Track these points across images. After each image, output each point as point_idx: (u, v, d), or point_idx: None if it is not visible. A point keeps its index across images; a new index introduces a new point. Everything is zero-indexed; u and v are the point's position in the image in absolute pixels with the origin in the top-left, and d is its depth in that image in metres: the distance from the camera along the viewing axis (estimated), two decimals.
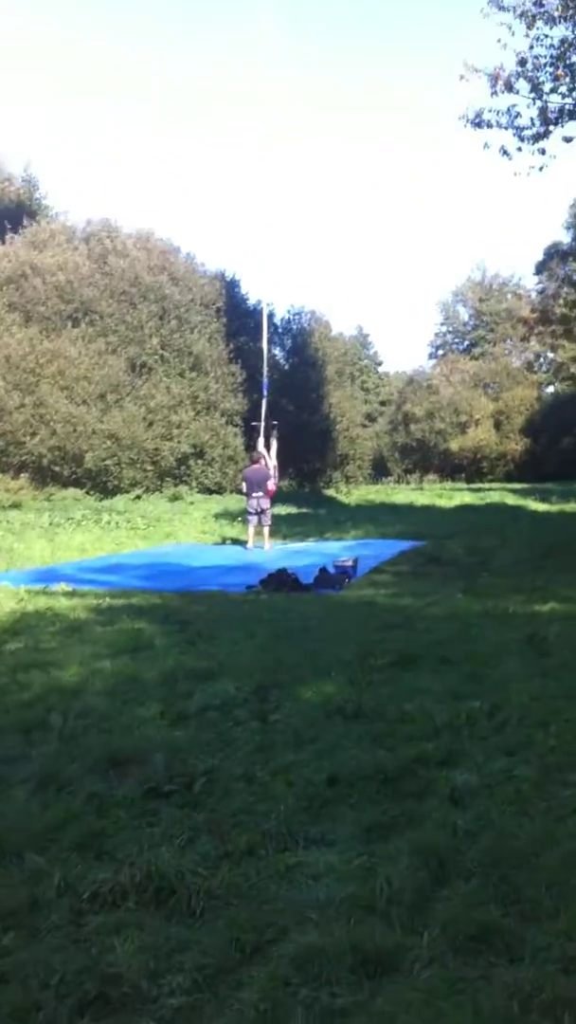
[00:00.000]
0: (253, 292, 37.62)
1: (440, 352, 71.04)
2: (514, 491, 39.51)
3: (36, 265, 31.67)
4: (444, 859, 3.60)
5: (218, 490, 32.32)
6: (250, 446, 33.20)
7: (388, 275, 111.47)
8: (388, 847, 3.78)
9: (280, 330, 38.46)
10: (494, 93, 15.68)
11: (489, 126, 15.93)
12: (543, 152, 15.83)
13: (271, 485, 18.47)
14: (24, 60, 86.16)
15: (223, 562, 15.49)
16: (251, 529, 18.08)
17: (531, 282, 67.14)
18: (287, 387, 37.57)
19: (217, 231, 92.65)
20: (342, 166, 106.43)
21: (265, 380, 22.04)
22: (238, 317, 35.78)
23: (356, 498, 36.91)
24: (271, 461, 19.11)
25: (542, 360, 64.05)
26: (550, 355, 61.87)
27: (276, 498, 32.90)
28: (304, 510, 28.88)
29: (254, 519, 17.98)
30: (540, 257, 63.67)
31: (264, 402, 20.84)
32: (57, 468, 29.99)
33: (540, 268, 64.33)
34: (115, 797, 4.43)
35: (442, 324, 72.49)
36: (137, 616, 9.45)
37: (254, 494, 17.95)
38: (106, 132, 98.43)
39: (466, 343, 70.43)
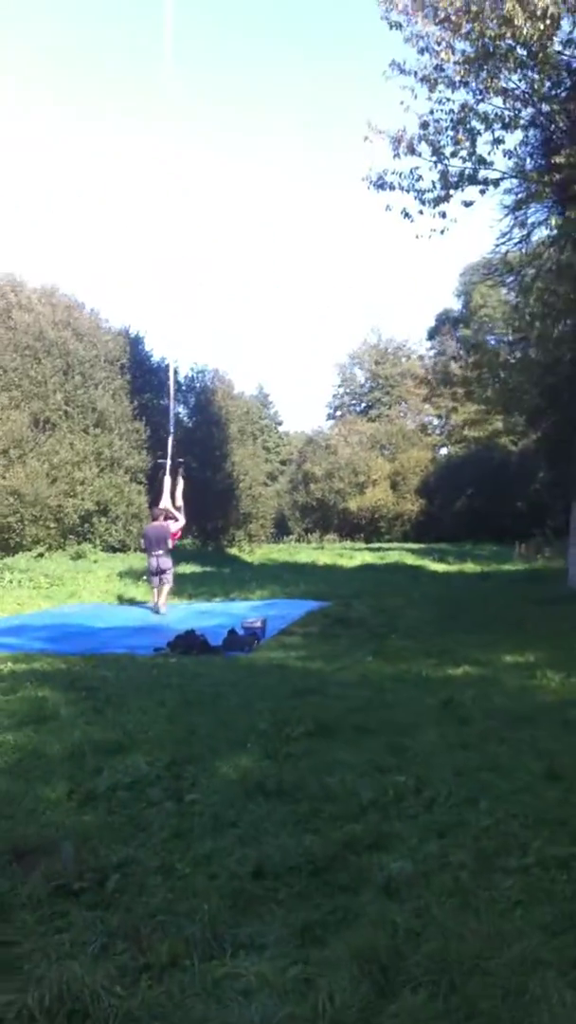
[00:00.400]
0: (157, 349, 37.31)
1: (338, 413, 71.77)
2: (412, 551, 39.78)
3: None
4: (387, 966, 3.24)
5: (122, 548, 31.62)
6: (154, 502, 32.83)
7: (287, 336, 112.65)
8: (324, 952, 3.40)
9: (183, 388, 38.22)
10: (396, 155, 15.78)
11: (392, 188, 15.98)
12: (443, 215, 15.99)
13: (175, 526, 17.70)
14: None
15: (129, 623, 14.96)
16: (154, 590, 17.15)
17: (423, 347, 69.00)
18: (190, 445, 37.16)
19: (120, 287, 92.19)
20: (243, 225, 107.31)
21: (172, 415, 21.51)
22: (142, 374, 35.41)
23: (259, 557, 36.63)
24: (177, 501, 18.23)
25: (436, 423, 65.42)
26: (441, 419, 63.31)
27: (179, 556, 32.63)
28: (208, 568, 28.41)
29: (155, 579, 16.93)
30: (432, 323, 65.66)
31: (171, 439, 19.73)
32: None
33: (432, 333, 66.09)
34: (19, 896, 3.94)
35: (340, 386, 73.39)
36: (41, 682, 8.91)
37: (154, 552, 16.93)
38: (10, 185, 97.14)
39: (363, 405, 71.35)
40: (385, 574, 26.48)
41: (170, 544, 17.20)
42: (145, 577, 19.08)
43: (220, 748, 6.39)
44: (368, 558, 35.04)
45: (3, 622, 14.51)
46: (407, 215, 16.23)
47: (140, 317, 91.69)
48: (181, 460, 19.91)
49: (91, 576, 23.71)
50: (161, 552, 16.88)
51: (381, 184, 16.10)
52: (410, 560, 33.83)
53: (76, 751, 6.30)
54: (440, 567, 30.26)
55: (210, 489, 36.15)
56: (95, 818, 4.96)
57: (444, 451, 62.41)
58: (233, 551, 38.20)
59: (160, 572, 16.80)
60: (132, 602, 18.73)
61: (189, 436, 37.98)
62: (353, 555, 37.09)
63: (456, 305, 62.62)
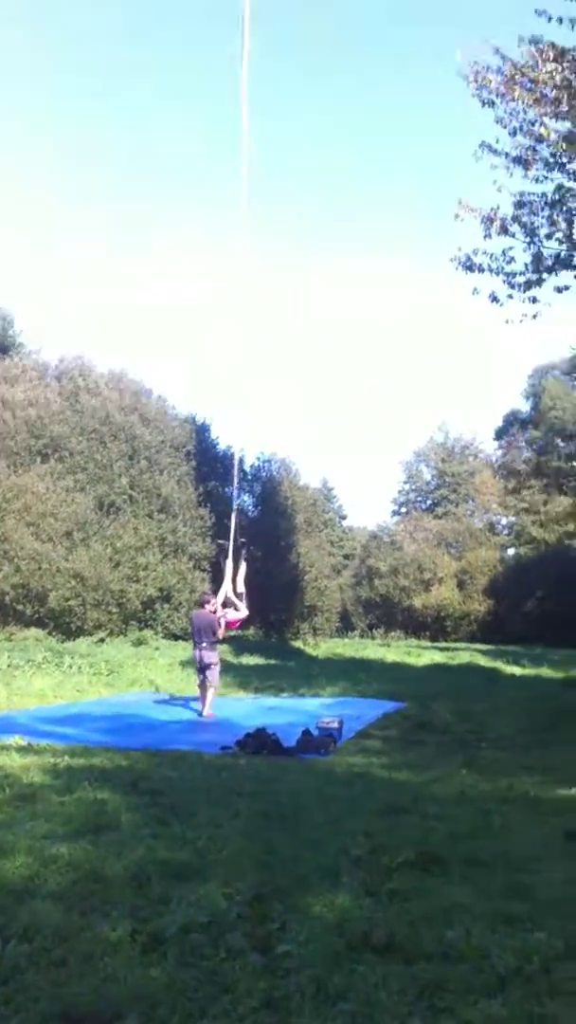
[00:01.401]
0: (223, 437, 36.97)
1: (403, 509, 70.72)
2: (481, 652, 38.14)
3: (7, 399, 30.81)
4: None
5: (184, 636, 30.62)
6: (214, 589, 31.85)
7: (352, 431, 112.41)
8: None
9: (249, 477, 37.69)
10: (487, 236, 15.18)
11: (480, 270, 15.36)
12: (534, 300, 15.28)
13: (236, 615, 15.64)
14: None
15: (193, 716, 13.97)
16: (199, 688, 15.09)
17: (491, 447, 68.17)
18: (255, 535, 36.54)
19: (187, 374, 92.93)
20: (313, 317, 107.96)
21: (235, 490, 20.58)
22: (207, 461, 34.99)
23: (324, 651, 35.39)
24: (239, 587, 16.05)
25: (503, 523, 64.16)
26: (511, 518, 62.09)
27: (242, 646, 31.69)
28: (272, 661, 27.32)
29: (200, 676, 14.88)
30: (499, 423, 64.99)
31: (233, 516, 17.76)
32: (20, 607, 28.35)
33: (500, 434, 65.38)
34: None
35: (405, 482, 72.47)
36: (100, 782, 7.95)
37: (199, 644, 14.89)
38: (78, 268, 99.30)
39: (429, 502, 70.28)
40: (459, 675, 25.10)
41: (220, 634, 15.11)
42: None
43: (309, 878, 5.35)
44: (437, 658, 33.53)
45: (62, 710, 13.65)
46: (495, 299, 15.58)
47: (205, 404, 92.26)
48: (244, 540, 18.53)
49: (152, 663, 22.80)
50: (205, 644, 14.80)
51: (469, 265, 15.49)
52: (482, 661, 32.31)
53: (140, 873, 5.33)
54: (516, 670, 28.72)
55: (275, 580, 35.26)
56: (163, 973, 3.95)
57: (511, 551, 60.90)
58: (297, 644, 37.03)
59: (204, 668, 14.72)
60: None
61: (254, 526, 37.36)
62: (421, 653, 35.61)
63: (525, 407, 62.01)
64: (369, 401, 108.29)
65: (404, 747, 11.26)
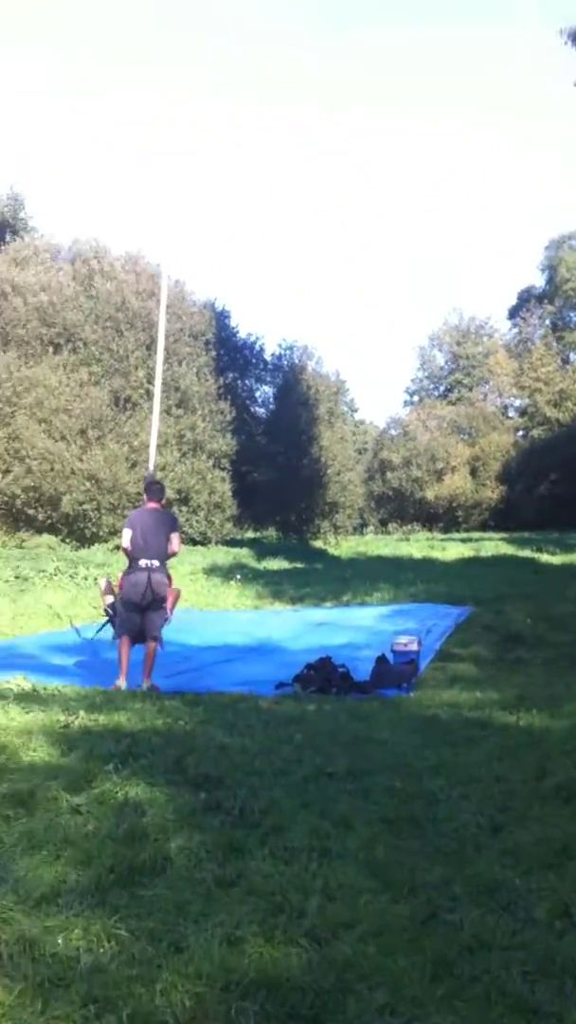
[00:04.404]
0: (243, 325, 33.73)
1: (416, 398, 67.22)
2: (503, 541, 35.40)
3: (16, 284, 27.41)
4: None
5: (203, 541, 28.02)
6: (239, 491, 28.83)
7: (362, 321, 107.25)
8: None
9: (270, 366, 34.53)
10: None
11: None
12: None
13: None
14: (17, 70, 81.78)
15: (231, 639, 11.26)
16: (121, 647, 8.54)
17: (505, 327, 64.37)
18: (276, 428, 33.60)
19: (203, 259, 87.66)
20: (317, 198, 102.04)
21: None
22: (228, 351, 31.82)
23: (347, 550, 32.58)
24: None
25: (516, 404, 60.82)
26: (525, 400, 58.69)
27: (262, 550, 28.95)
28: (298, 564, 24.64)
29: (131, 623, 8.41)
30: (513, 300, 61.16)
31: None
32: (31, 511, 25.64)
33: (514, 312, 61.55)
34: None
35: (419, 369, 68.66)
36: (130, 762, 5.29)
37: (150, 562, 8.29)
38: (97, 149, 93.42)
39: (442, 388, 66.68)
40: (500, 568, 22.42)
41: (177, 545, 8.60)
42: (240, 576, 14.65)
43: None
44: (463, 551, 30.81)
45: (74, 635, 10.87)
46: None
47: (223, 291, 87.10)
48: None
49: (172, 572, 20.12)
50: (159, 563, 8.33)
51: None
52: (509, 550, 29.68)
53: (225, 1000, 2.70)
54: (551, 558, 26.08)
55: (295, 476, 32.47)
56: None
57: (521, 434, 57.65)
58: (317, 544, 34.31)
59: (149, 606, 8.27)
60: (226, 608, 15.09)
61: (274, 418, 34.38)
62: (445, 547, 32.90)
63: (540, 281, 58.15)
64: (379, 290, 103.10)
65: (505, 671, 8.67)
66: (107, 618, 9.05)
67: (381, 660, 8.54)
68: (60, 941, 3.11)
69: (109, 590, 9.18)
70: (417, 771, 5.18)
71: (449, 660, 9.38)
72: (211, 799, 4.68)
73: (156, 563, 8.25)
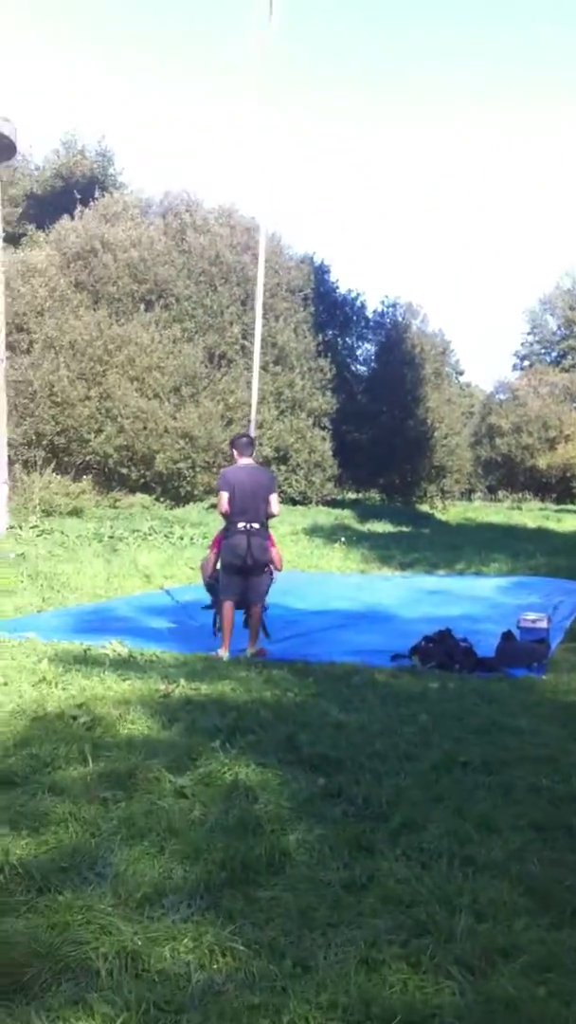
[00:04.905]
0: (343, 281, 33.06)
1: (526, 363, 65.34)
2: None
3: (107, 240, 27.31)
4: None
5: (303, 501, 27.67)
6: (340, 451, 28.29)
7: (469, 282, 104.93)
8: None
9: (372, 324, 33.75)
10: None
11: None
12: None
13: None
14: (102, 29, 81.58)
15: (337, 603, 10.84)
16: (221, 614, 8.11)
17: None
18: (378, 387, 32.91)
19: (301, 214, 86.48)
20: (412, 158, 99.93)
21: None
22: (327, 308, 31.21)
23: (455, 516, 31.89)
24: None
25: None
26: None
27: (365, 512, 28.57)
28: (404, 528, 24.08)
29: (234, 589, 7.98)
30: None
31: None
32: (124, 471, 25.67)
33: None
34: None
35: (529, 333, 66.68)
36: (235, 736, 4.92)
37: (250, 524, 7.86)
38: (187, 105, 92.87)
39: (555, 354, 64.66)
40: None
41: (276, 507, 8.10)
42: (343, 539, 14.21)
43: None
44: None
45: (168, 597, 10.61)
46: None
47: (322, 246, 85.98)
48: None
49: (272, 533, 19.80)
50: (259, 525, 7.88)
51: None
52: None
53: None
54: None
55: (400, 437, 31.78)
56: None
57: None
58: (424, 508, 33.64)
59: (252, 569, 7.90)
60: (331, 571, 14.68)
61: (377, 377, 33.67)
62: (561, 518, 31.89)
63: None
64: (488, 250, 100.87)
65: None
66: (212, 600, 8.54)
67: (508, 636, 7.97)
68: (168, 954, 2.72)
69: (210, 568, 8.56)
70: (564, 768, 4.65)
71: None
72: (331, 785, 4.27)
73: (256, 525, 7.84)
